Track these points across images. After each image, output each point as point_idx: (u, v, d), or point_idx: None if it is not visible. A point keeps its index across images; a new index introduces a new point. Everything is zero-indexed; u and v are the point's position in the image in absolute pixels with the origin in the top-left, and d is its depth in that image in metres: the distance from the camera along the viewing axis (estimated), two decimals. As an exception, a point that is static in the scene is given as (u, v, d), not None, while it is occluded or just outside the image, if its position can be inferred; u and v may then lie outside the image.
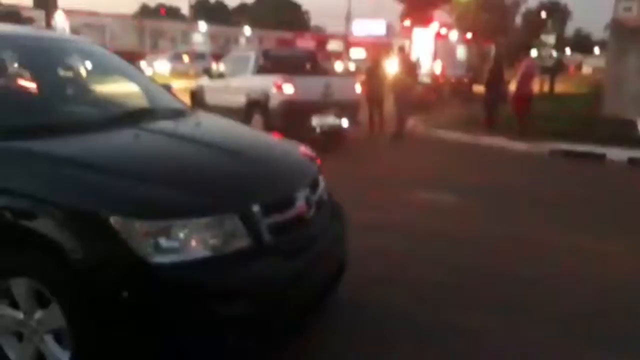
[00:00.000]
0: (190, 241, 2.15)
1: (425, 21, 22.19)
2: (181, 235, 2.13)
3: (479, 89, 20.12)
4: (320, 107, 8.88)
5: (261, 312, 2.27)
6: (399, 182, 6.82)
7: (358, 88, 9.92)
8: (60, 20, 25.45)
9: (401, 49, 13.55)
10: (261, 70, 9.68)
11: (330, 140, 8.41)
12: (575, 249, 4.50)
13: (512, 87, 10.40)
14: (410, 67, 11.75)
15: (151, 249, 2.08)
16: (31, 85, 3.12)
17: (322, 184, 3.00)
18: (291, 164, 2.97)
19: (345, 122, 9.07)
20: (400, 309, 3.32)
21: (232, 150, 2.77)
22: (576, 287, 3.74)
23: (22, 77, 3.14)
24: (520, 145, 9.40)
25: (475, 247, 4.50)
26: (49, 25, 19.47)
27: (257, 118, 9.01)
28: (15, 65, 3.14)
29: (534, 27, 35.95)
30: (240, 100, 9.33)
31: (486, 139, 10.00)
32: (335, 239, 2.93)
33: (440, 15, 26.43)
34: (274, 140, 3.31)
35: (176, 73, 27.20)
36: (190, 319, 2.14)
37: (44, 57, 3.24)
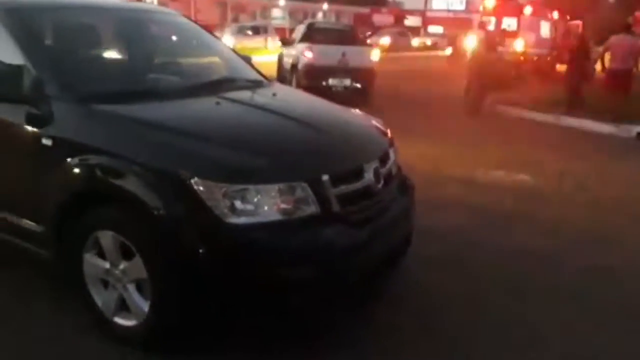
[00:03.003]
0: (262, 205, 2.23)
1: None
2: (255, 198, 2.21)
3: (562, 67, 18.99)
4: (337, 71, 10.72)
5: (323, 277, 2.33)
6: (472, 159, 6.60)
7: (374, 57, 11.30)
8: (149, -6, 26.51)
9: (482, 25, 12.96)
10: (303, 39, 11.58)
11: (351, 98, 9.47)
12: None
13: (599, 65, 9.67)
14: (491, 43, 11.25)
15: (227, 209, 2.17)
16: (121, 54, 3.29)
17: (392, 157, 2.98)
18: (362, 137, 2.96)
19: (358, 85, 10.82)
20: (450, 288, 3.24)
21: (306, 121, 2.80)
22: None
23: (112, 45, 3.31)
24: (605, 127, 8.79)
25: (550, 232, 4.27)
26: (139, -1, 20.33)
27: (294, 77, 11.13)
28: (106, 34, 3.30)
29: (628, 3, 32.95)
30: (290, 63, 11.54)
31: (567, 120, 9.44)
32: (402, 212, 2.90)
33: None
34: (347, 112, 3.30)
35: (240, 47, 27.39)
36: (259, 276, 2.23)
37: (132, 27, 3.41)
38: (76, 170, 2.43)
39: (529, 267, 3.60)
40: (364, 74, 10.85)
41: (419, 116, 9.56)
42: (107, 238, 2.42)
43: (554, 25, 19.70)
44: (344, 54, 10.79)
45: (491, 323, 2.89)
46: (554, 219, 4.59)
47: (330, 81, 10.71)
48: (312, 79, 10.51)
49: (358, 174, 2.55)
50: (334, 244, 2.34)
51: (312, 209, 2.32)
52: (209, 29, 3.97)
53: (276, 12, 43.07)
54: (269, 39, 30.28)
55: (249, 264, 2.21)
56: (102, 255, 2.48)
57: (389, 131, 3.24)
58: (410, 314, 2.96)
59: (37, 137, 2.52)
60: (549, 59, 18.87)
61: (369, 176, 2.59)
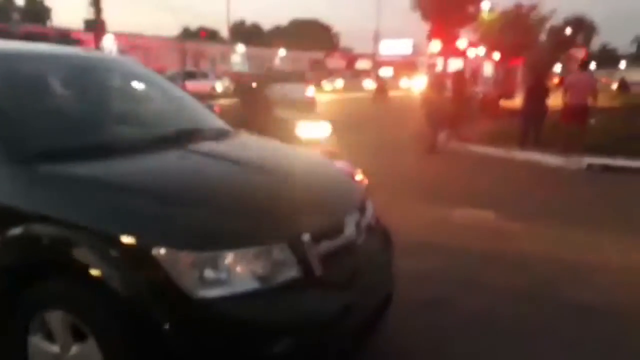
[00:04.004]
0: (237, 272, 1.89)
1: (451, 40, 21.75)
2: (228, 266, 1.88)
3: (506, 103, 19.61)
4: (282, 104, 12.53)
5: (310, 348, 2.00)
6: (434, 199, 6.43)
7: (309, 92, 15.04)
8: (108, 43, 26.05)
9: (431, 67, 13.21)
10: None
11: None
12: (628, 266, 4.07)
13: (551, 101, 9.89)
14: (440, 84, 11.40)
15: (196, 281, 1.83)
16: (71, 106, 2.90)
17: (370, 207, 2.71)
18: (340, 187, 2.68)
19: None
20: (442, 341, 2.97)
21: (279, 173, 2.51)
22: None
23: (60, 96, 2.92)
24: (555, 160, 8.88)
25: (522, 269, 4.10)
26: (97, 47, 19.86)
27: None
28: (54, 84, 2.92)
29: (559, 43, 34.85)
30: None
31: (520, 154, 9.51)
32: (384, 266, 2.62)
33: (466, 34, 25.92)
34: (320, 160, 3.03)
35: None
36: (235, 357, 1.88)
37: (83, 76, 3.02)
38: (18, 241, 2.03)
39: (506, 307, 3.40)
40: (302, 105, 13.73)
41: (379, 158, 9.42)
42: (55, 318, 2.01)
43: (496, 65, 20.50)
44: (284, 91, 13.67)
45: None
46: (523, 255, 4.43)
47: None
48: None
49: (339, 228, 2.26)
50: (318, 312, 2.02)
51: (292, 272, 2.00)
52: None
53: (235, 58, 43.27)
54: (217, 83, 29.70)
55: (223, 345, 1.86)
56: (50, 337, 2.06)
57: (363, 178, 2.99)
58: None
59: None
60: (492, 96, 19.49)
61: (350, 230, 2.31)
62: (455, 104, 10.71)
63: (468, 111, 13.13)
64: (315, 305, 2.03)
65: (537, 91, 10.49)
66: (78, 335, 1.98)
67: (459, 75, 12.54)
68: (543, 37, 40.75)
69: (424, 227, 5.10)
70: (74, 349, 2.00)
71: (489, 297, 3.55)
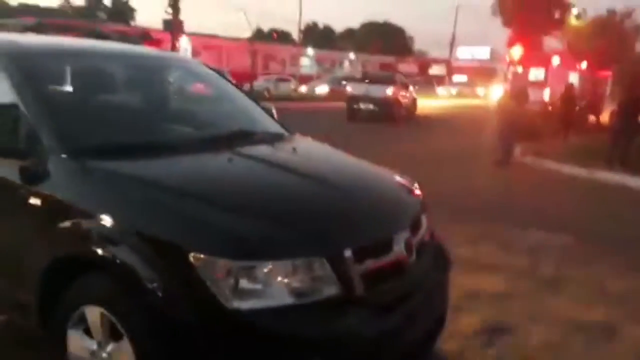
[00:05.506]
0: (273, 285, 1.85)
1: (534, 48, 20.78)
2: (264, 278, 1.84)
3: (591, 118, 18.44)
4: (364, 99, 18.05)
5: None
6: (502, 214, 6.12)
7: (388, 92, 17.92)
8: (184, 43, 27.21)
9: (510, 75, 12.67)
10: (356, 80, 20.19)
11: (375, 117, 17.45)
12: None
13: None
14: (519, 93, 10.91)
15: (230, 291, 1.80)
16: (128, 103, 2.99)
17: (424, 223, 2.57)
18: (391, 201, 2.55)
19: (377, 108, 17.75)
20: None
21: (326, 181, 2.42)
22: None
23: (119, 94, 3.02)
24: (643, 183, 8.20)
25: (601, 301, 3.76)
26: (174, 47, 20.83)
27: None
28: (113, 81, 3.02)
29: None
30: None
31: (603, 174, 8.86)
32: (436, 288, 2.48)
33: (550, 41, 24.70)
34: (373, 170, 2.90)
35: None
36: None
37: (142, 74, 3.11)
38: (65, 235, 2.10)
39: (574, 342, 3.14)
40: (381, 102, 17.72)
41: (446, 167, 9.13)
42: (94, 314, 2.06)
43: (582, 76, 19.34)
44: (368, 89, 17.98)
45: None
46: (598, 284, 4.07)
47: (360, 105, 17.98)
48: (350, 103, 18.42)
49: (386, 246, 2.15)
50: (359, 334, 1.93)
51: (331, 290, 1.92)
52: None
53: (305, 61, 43.94)
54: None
55: (254, 358, 1.81)
56: (89, 332, 2.11)
57: (420, 192, 2.84)
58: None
59: (26, 195, 2.22)
60: (577, 109, 18.37)
61: (399, 248, 2.19)
62: (561, 118, 10.48)
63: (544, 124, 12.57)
64: (354, 326, 1.93)
65: (630, 106, 9.72)
66: (116, 334, 2.01)
67: (569, 88, 12.41)
68: (638, 47, 38.04)
69: (491, 246, 4.84)
70: (110, 346, 2.04)
71: (554, 328, 3.29)
